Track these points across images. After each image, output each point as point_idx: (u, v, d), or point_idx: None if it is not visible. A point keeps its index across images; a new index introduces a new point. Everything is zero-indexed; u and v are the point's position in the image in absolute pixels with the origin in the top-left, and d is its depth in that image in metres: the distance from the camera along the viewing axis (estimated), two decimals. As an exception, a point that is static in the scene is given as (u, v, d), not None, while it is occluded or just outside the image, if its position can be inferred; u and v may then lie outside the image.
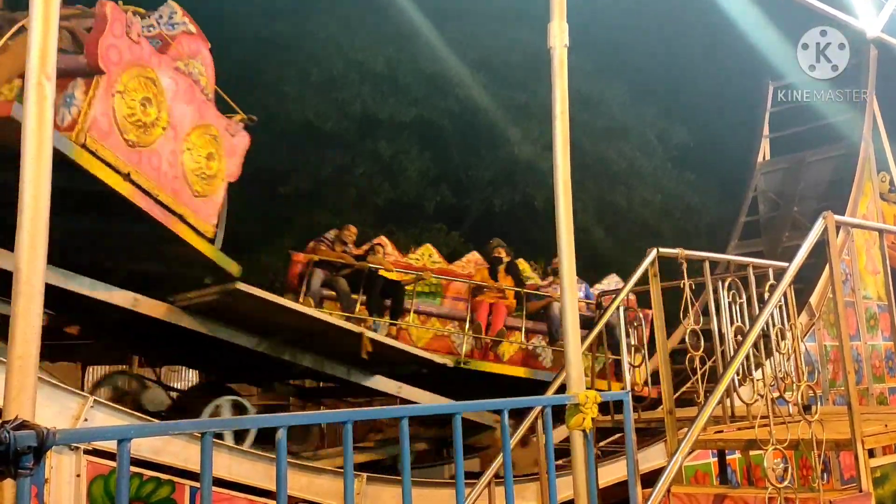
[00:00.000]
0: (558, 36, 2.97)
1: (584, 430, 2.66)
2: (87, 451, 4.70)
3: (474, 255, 10.25)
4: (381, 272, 8.69)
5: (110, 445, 4.83)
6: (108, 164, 4.87)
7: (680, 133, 19.54)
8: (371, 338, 6.75)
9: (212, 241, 5.99)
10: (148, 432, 3.10)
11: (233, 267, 6.19)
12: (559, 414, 2.84)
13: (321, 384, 9.33)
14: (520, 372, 8.51)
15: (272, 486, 5.31)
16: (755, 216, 12.52)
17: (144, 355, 9.82)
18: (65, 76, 4.69)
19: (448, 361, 7.91)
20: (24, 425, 1.56)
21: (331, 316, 7.00)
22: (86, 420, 4.72)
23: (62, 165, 4.36)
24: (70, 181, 4.60)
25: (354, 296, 8.43)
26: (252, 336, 6.44)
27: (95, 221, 5.55)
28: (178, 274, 6.66)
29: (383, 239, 9.87)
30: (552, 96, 2.97)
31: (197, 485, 4.98)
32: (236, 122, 6.28)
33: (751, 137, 13.22)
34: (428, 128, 17.40)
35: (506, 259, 9.63)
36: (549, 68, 3.03)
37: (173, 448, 4.94)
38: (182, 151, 5.47)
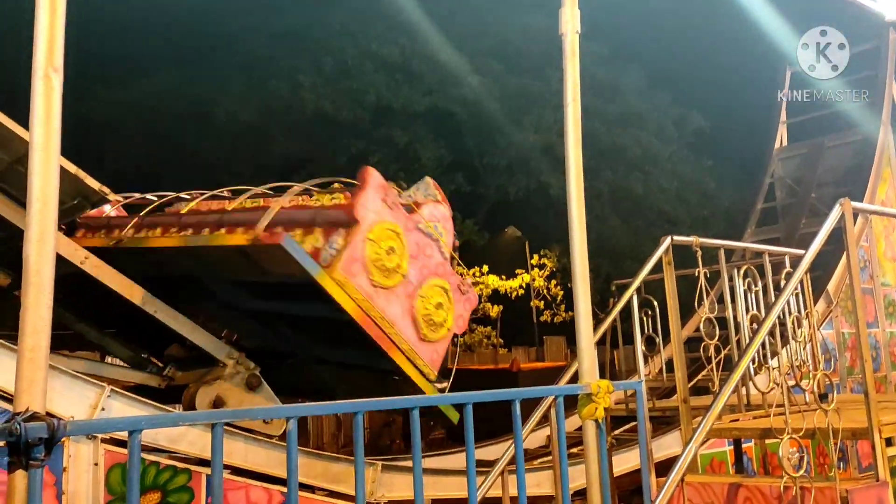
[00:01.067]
0: (570, 22, 2.93)
1: (596, 420, 2.64)
2: (104, 440, 4.75)
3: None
4: None
5: (123, 434, 4.88)
6: (350, 296, 5.57)
7: (696, 119, 19.41)
8: None
9: (431, 382, 6.34)
10: (159, 423, 3.12)
11: (453, 415, 6.60)
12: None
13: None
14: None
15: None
16: (772, 202, 12.39)
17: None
18: (329, 227, 5.72)
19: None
20: (35, 417, 1.57)
21: None
22: (103, 409, 4.77)
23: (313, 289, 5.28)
24: (317, 308, 5.53)
25: None
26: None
27: (331, 344, 6.44)
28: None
29: None
30: (564, 83, 2.94)
31: (213, 473, 5.02)
32: (468, 283, 6.71)
33: (769, 123, 13.07)
34: (442, 116, 17.39)
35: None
36: (559, 54, 2.99)
37: (191, 436, 4.98)
38: (416, 297, 6.07)
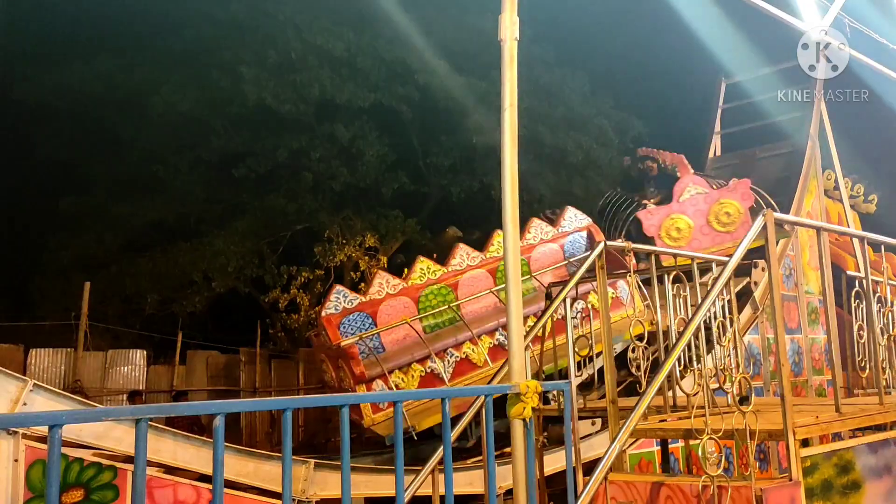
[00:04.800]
0: (509, 28, 2.99)
1: (524, 419, 2.70)
2: (25, 436, 4.61)
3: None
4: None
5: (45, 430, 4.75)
6: None
7: (636, 126, 19.80)
8: None
9: None
10: (81, 418, 3.04)
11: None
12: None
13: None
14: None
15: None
16: (706, 210, 12.75)
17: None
18: None
19: None
20: (-53, 410, 1.53)
21: None
22: (24, 404, 4.64)
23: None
24: None
25: None
26: None
27: None
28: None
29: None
30: (502, 89, 2.99)
31: (140, 470, 4.93)
32: None
33: (704, 133, 13.47)
34: (387, 113, 17.34)
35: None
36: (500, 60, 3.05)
37: (116, 433, 4.88)
38: None
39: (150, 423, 4.85)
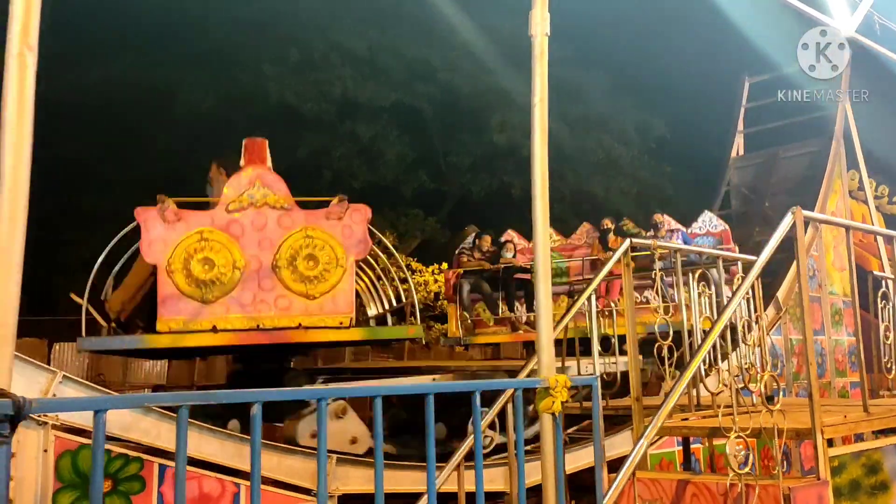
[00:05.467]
0: (540, 24, 3.00)
1: (553, 414, 2.71)
2: (54, 427, 4.68)
3: (585, 226, 10.46)
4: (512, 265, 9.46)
5: (78, 421, 4.81)
6: (188, 331, 5.76)
7: (658, 125, 19.71)
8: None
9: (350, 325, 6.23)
10: (123, 404, 3.11)
11: (407, 332, 6.62)
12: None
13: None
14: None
15: (240, 465, 5.33)
16: (728, 210, 12.69)
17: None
18: None
19: None
20: (1, 394, 1.57)
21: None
22: (54, 395, 4.70)
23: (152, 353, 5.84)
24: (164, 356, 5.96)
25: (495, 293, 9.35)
26: None
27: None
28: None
29: (511, 232, 10.29)
30: (532, 84, 3.00)
31: (166, 462, 4.98)
32: (337, 205, 6.41)
33: (727, 132, 13.38)
34: (408, 112, 17.39)
35: (612, 227, 10.04)
36: (530, 57, 3.06)
37: (143, 425, 4.93)
38: (275, 270, 5.97)
39: (174, 416, 4.90)
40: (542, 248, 2.91)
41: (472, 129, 17.74)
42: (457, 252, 10.22)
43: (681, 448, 6.80)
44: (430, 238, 17.92)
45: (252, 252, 5.98)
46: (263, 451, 5.41)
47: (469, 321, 9.36)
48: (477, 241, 10.08)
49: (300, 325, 5.97)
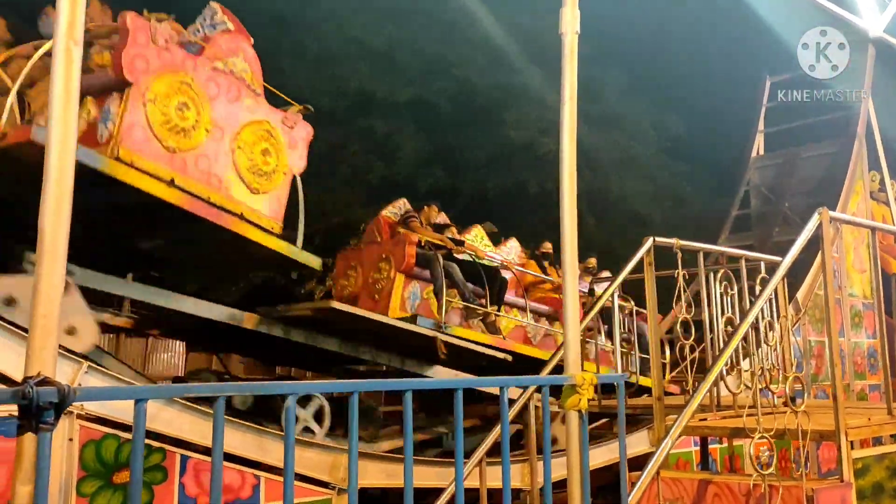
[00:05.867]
0: (570, 22, 3.00)
1: (579, 411, 2.72)
2: (79, 416, 4.73)
3: (515, 244, 9.80)
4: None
5: (102, 411, 4.86)
6: (147, 173, 4.95)
7: (675, 124, 19.59)
8: (445, 341, 6.81)
9: (281, 236, 6.00)
10: (163, 394, 3.15)
11: (313, 261, 6.32)
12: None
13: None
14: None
15: (259, 457, 5.38)
16: (747, 210, 12.63)
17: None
18: (101, 94, 4.87)
19: (508, 357, 7.47)
20: (46, 381, 1.60)
21: (411, 324, 6.86)
22: (79, 385, 4.75)
23: (100, 180, 4.54)
24: (112, 195, 4.79)
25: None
26: (334, 338, 6.64)
27: (150, 234, 5.80)
28: (256, 275, 7.03)
29: (477, 227, 9.55)
30: (561, 83, 3.00)
31: (187, 453, 5.03)
32: (294, 114, 6.21)
33: (745, 131, 13.31)
34: (424, 107, 17.37)
35: (551, 253, 9.41)
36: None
37: (165, 415, 4.97)
38: (233, 151, 5.51)
39: (198, 407, 4.93)
40: (569, 247, 2.91)
41: (488, 125, 17.70)
42: (403, 213, 8.56)
43: (697, 448, 6.80)
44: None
45: (220, 120, 5.49)
46: (280, 443, 5.46)
47: (460, 306, 7.64)
48: (428, 211, 8.74)
49: (242, 214, 5.63)
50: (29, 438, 1.61)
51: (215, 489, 1.85)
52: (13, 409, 4.46)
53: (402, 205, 8.85)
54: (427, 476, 5.81)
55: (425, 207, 8.81)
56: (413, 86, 16.92)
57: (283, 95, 6.33)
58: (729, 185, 13.75)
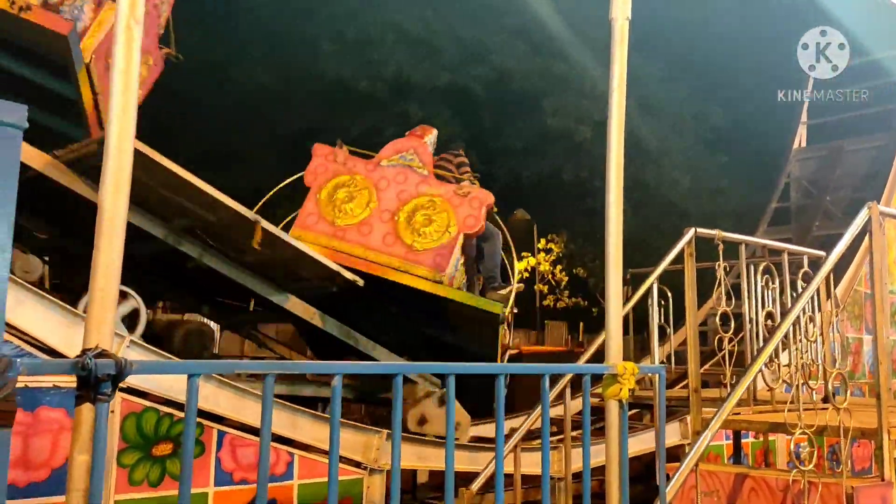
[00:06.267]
0: (621, 7, 2.96)
1: (620, 400, 2.71)
2: (120, 389, 4.82)
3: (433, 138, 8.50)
4: None
5: (142, 384, 4.96)
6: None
7: (715, 114, 19.31)
8: (265, 228, 5.54)
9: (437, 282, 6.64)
10: (215, 369, 3.22)
11: (496, 308, 6.66)
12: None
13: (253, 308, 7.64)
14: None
15: (294, 435, 5.45)
16: (786, 203, 12.41)
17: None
18: None
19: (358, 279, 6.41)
20: (104, 354, 1.63)
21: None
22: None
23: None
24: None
25: None
26: (151, 216, 5.68)
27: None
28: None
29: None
30: (610, 70, 2.97)
31: (224, 428, 5.11)
32: (466, 186, 7.12)
33: (786, 123, 13.05)
34: (461, 93, 17.34)
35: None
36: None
37: (204, 392, 5.06)
38: (395, 220, 6.82)
39: (232, 384, 5.00)
40: (613, 235, 2.90)
41: (525, 112, 17.61)
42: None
43: (729, 442, 6.74)
44: (478, 220, 17.91)
45: (386, 200, 6.86)
46: (316, 423, 5.53)
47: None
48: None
49: (398, 267, 6.56)
50: (87, 409, 1.66)
51: (263, 465, 1.88)
52: (58, 379, 4.56)
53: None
54: (459, 460, 5.84)
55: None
56: (450, 71, 16.90)
57: (455, 175, 7.45)
58: (768, 177, 13.52)
